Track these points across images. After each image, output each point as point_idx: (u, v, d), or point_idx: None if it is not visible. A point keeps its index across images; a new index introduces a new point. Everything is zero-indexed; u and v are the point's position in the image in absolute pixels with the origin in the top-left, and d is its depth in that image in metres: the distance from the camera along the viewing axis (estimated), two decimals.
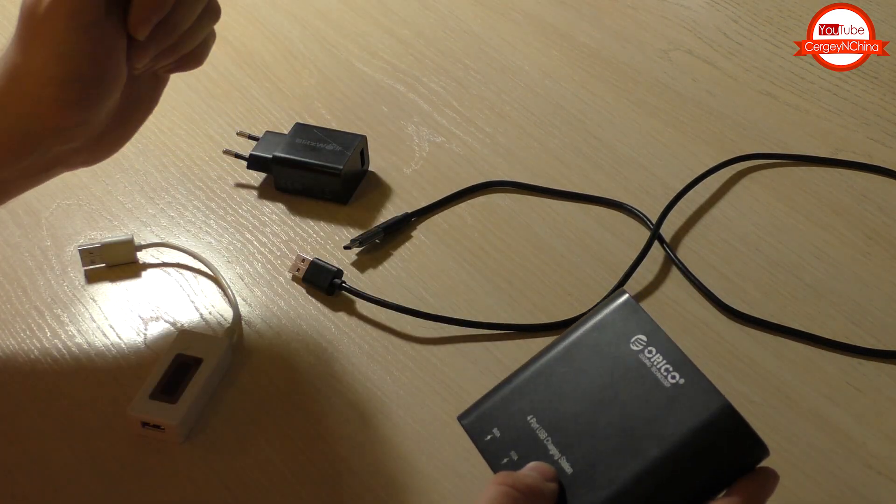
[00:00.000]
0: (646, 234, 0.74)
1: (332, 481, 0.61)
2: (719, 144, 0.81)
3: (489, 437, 0.51)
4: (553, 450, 0.49)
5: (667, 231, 0.74)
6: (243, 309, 0.70)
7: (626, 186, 0.78)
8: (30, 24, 0.57)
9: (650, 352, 0.50)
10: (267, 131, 0.80)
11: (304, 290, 0.71)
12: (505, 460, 0.50)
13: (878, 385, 0.65)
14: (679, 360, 0.49)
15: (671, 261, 0.72)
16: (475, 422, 0.52)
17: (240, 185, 0.79)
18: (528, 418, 0.51)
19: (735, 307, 0.69)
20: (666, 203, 0.76)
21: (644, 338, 0.51)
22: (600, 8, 0.95)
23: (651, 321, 0.51)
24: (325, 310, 0.70)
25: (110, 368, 0.67)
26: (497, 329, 0.68)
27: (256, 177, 0.79)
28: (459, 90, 0.87)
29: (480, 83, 0.87)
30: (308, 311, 0.70)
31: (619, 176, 0.79)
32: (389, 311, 0.69)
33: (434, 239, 0.75)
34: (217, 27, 0.90)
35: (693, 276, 0.71)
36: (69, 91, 0.58)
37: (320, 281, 0.71)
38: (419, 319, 0.69)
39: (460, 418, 0.53)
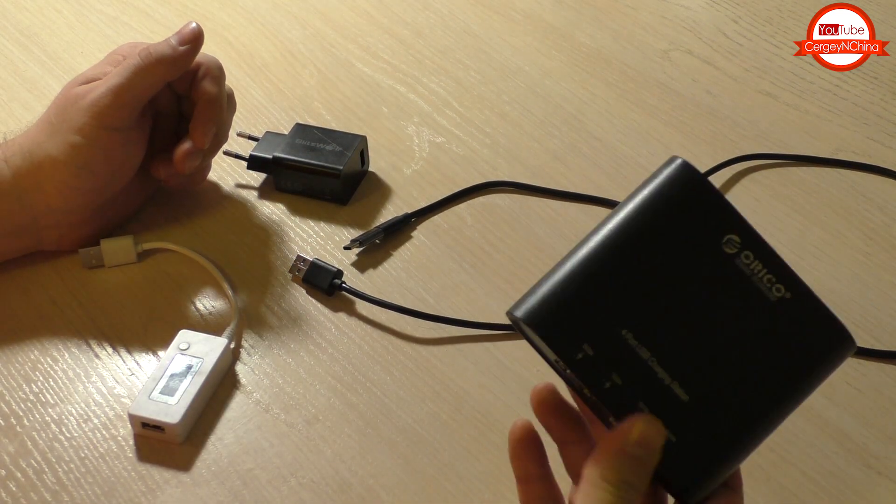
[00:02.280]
0: None
1: (332, 482, 0.61)
2: (719, 144, 0.81)
3: (580, 354, 0.43)
4: (661, 373, 0.43)
5: None
6: (243, 309, 0.70)
7: (626, 186, 0.78)
8: (65, 113, 0.68)
9: (747, 257, 0.44)
10: (267, 131, 0.80)
11: (304, 291, 0.71)
12: (608, 384, 0.43)
13: (878, 385, 0.65)
14: (781, 270, 0.44)
15: None
16: (555, 327, 0.44)
17: (240, 186, 0.79)
18: (623, 332, 0.43)
19: None
20: None
21: (737, 239, 0.44)
22: (600, 8, 0.95)
23: (734, 211, 0.44)
24: (325, 310, 0.70)
25: (110, 369, 0.67)
26: (497, 329, 0.68)
27: (256, 177, 0.79)
28: (459, 90, 0.87)
29: (480, 83, 0.87)
30: (308, 311, 0.70)
31: (619, 176, 0.79)
32: (389, 311, 0.69)
33: (434, 239, 0.75)
34: (217, 27, 0.90)
35: None
36: (80, 178, 0.67)
37: (320, 281, 0.71)
38: (419, 320, 0.69)
39: (523, 316, 0.44)
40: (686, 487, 0.44)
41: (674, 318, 0.44)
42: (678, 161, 0.45)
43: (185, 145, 0.70)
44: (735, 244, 0.44)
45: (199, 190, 0.78)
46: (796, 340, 0.44)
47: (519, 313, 0.44)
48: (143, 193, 0.75)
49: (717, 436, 0.44)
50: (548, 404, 0.48)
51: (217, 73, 0.71)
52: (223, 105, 0.72)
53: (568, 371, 0.44)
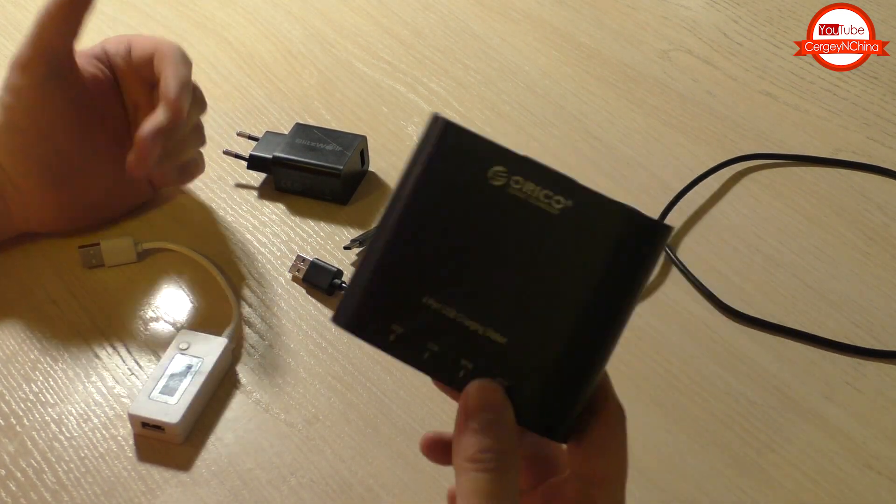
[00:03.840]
0: None
1: (332, 482, 0.61)
2: (719, 144, 0.81)
3: (392, 336, 0.43)
4: (473, 325, 0.42)
5: None
6: (243, 309, 0.70)
7: (626, 186, 0.78)
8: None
9: (517, 182, 0.42)
10: (267, 131, 0.80)
11: (304, 290, 0.71)
12: (426, 354, 0.43)
13: (878, 385, 0.65)
14: (554, 181, 0.42)
15: (671, 261, 0.72)
16: (361, 321, 0.44)
17: (240, 186, 0.79)
18: (424, 300, 0.43)
19: (735, 307, 0.69)
20: (666, 203, 0.76)
21: (502, 169, 0.43)
22: (600, 8, 0.95)
23: (494, 145, 0.43)
24: (326, 310, 0.70)
25: (110, 369, 0.67)
26: None
27: (256, 177, 0.79)
28: (459, 90, 0.87)
29: (480, 83, 0.87)
30: (308, 311, 0.70)
31: (619, 176, 0.79)
32: None
33: None
34: (217, 27, 0.90)
35: (693, 276, 0.71)
36: (8, 134, 0.69)
37: (320, 281, 0.71)
38: None
39: (339, 321, 0.44)
40: (546, 425, 0.43)
41: (469, 268, 0.43)
42: (431, 117, 0.44)
43: (147, 122, 0.67)
44: (501, 175, 0.43)
45: (199, 190, 0.78)
46: (593, 243, 0.42)
47: (335, 320, 0.44)
48: (129, 192, 0.75)
49: (551, 363, 0.42)
50: (432, 448, 0.47)
51: (170, 52, 0.70)
52: (185, 75, 0.69)
53: (395, 358, 0.44)
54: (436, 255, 0.43)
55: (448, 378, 0.43)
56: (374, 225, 0.75)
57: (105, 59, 0.73)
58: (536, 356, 0.42)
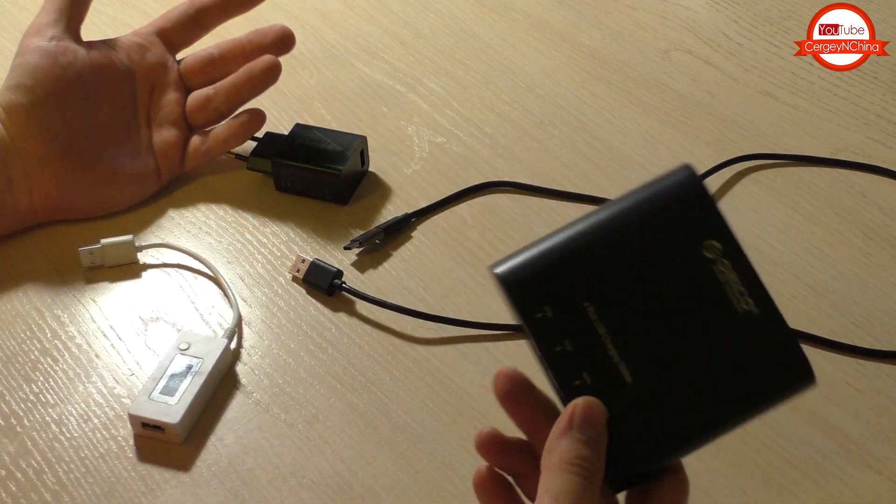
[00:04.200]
0: None
1: (332, 482, 0.61)
2: (719, 144, 0.81)
3: (539, 314, 0.44)
4: (613, 352, 0.44)
5: None
6: (243, 309, 0.70)
7: (626, 186, 0.77)
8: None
9: (724, 265, 0.44)
10: (267, 132, 0.80)
11: (304, 291, 0.71)
12: (558, 348, 0.44)
13: (878, 385, 0.65)
14: (754, 284, 0.44)
15: None
16: (522, 285, 0.45)
17: (240, 186, 0.79)
18: (585, 304, 0.44)
19: None
20: None
21: (719, 246, 0.44)
22: (600, 8, 0.95)
23: (723, 220, 0.45)
24: (325, 310, 0.70)
25: (110, 369, 0.67)
26: (497, 329, 0.68)
27: (256, 177, 0.79)
28: (459, 90, 0.87)
29: (480, 83, 0.87)
30: (308, 311, 0.70)
31: (619, 176, 0.79)
32: (389, 311, 0.69)
33: (434, 239, 0.75)
34: (217, 27, 0.90)
35: None
36: (17, 93, 0.71)
37: (320, 281, 0.71)
38: (419, 320, 0.69)
39: (499, 272, 0.45)
40: (612, 467, 0.44)
41: (638, 305, 0.44)
42: (683, 165, 0.46)
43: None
44: (716, 250, 0.44)
45: (199, 190, 0.78)
46: (754, 356, 0.44)
47: (497, 270, 0.45)
48: (134, 181, 0.75)
49: (651, 424, 0.44)
50: (492, 445, 0.48)
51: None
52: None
53: (528, 333, 0.45)
54: (620, 277, 0.45)
55: (562, 380, 0.44)
56: (374, 225, 0.75)
57: (118, 44, 0.76)
58: (648, 410, 0.44)
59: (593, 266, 0.45)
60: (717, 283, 0.44)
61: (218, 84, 0.77)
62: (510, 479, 0.48)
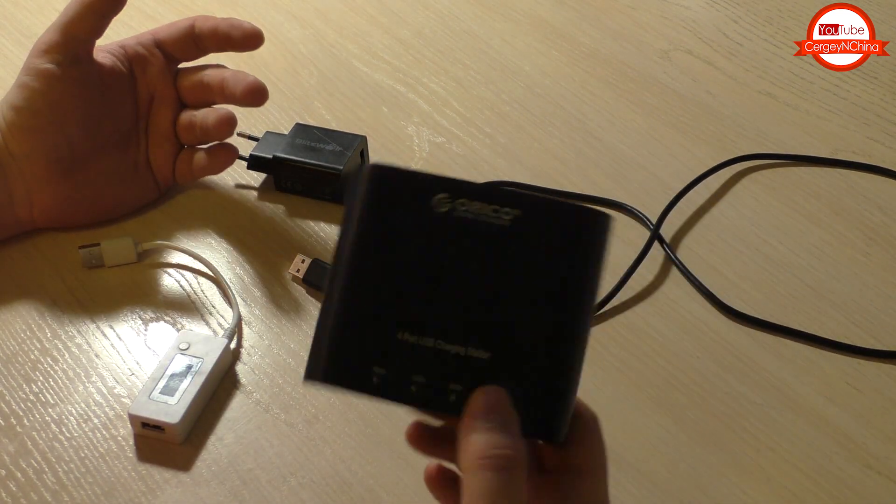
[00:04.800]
0: (646, 234, 0.74)
1: (332, 482, 0.61)
2: (719, 144, 0.81)
3: (375, 379, 0.43)
4: (453, 348, 0.43)
5: (667, 231, 0.74)
6: (243, 309, 0.70)
7: (626, 186, 0.78)
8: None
9: (463, 204, 0.43)
10: (267, 131, 0.80)
11: (304, 291, 0.71)
12: (414, 388, 0.43)
13: (878, 385, 0.65)
14: (499, 196, 0.43)
15: (671, 261, 0.72)
16: (341, 371, 0.43)
17: (240, 186, 0.79)
18: (399, 335, 0.43)
19: (735, 307, 0.69)
20: (666, 203, 0.76)
21: (445, 195, 0.44)
22: (600, 8, 0.95)
23: (430, 175, 0.44)
24: None
25: (110, 369, 0.67)
26: None
27: (256, 177, 0.79)
28: (459, 90, 0.87)
29: (480, 83, 0.87)
30: (308, 311, 0.70)
31: (619, 176, 0.79)
32: None
33: None
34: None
35: (693, 276, 0.71)
36: (22, 115, 0.70)
37: (320, 281, 0.71)
38: None
39: (315, 377, 0.44)
40: (548, 429, 0.43)
41: (436, 296, 0.43)
42: (365, 167, 0.45)
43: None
44: (445, 201, 0.44)
45: (200, 190, 0.78)
46: (548, 244, 0.43)
47: (308, 379, 0.44)
48: (134, 191, 0.75)
49: (539, 367, 0.43)
50: (418, 437, 0.48)
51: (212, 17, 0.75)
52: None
53: (383, 400, 0.44)
54: (399, 291, 0.44)
55: (440, 405, 0.44)
56: None
57: (121, 52, 0.74)
58: (524, 363, 0.43)
59: (371, 303, 0.44)
60: (471, 221, 0.43)
61: (200, 112, 0.75)
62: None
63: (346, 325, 0.44)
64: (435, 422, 0.48)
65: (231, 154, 0.75)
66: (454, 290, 0.43)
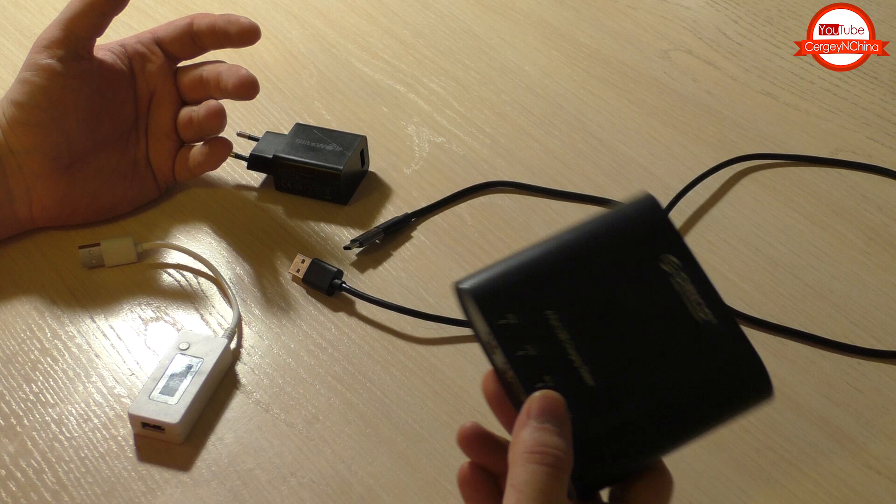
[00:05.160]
0: None
1: (332, 482, 0.61)
2: (719, 144, 0.81)
3: (502, 320, 0.45)
4: (574, 355, 0.45)
5: None
6: (243, 309, 0.70)
7: (626, 186, 0.78)
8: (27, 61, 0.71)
9: (682, 278, 0.46)
10: (267, 131, 0.80)
11: (304, 291, 0.71)
12: (520, 353, 0.45)
13: (878, 385, 0.65)
14: (711, 296, 0.46)
15: None
16: (486, 295, 0.46)
17: (240, 186, 0.79)
18: (548, 312, 0.45)
19: (735, 307, 0.69)
20: (666, 203, 0.76)
21: (676, 261, 0.47)
22: (600, 8, 0.95)
23: (680, 238, 0.47)
24: (325, 310, 0.70)
25: (110, 369, 0.67)
26: None
27: (256, 177, 0.79)
28: (459, 90, 0.87)
29: (480, 83, 0.87)
30: (308, 311, 0.70)
31: (619, 176, 0.79)
32: (389, 311, 0.69)
33: (434, 239, 0.75)
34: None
35: None
36: (24, 111, 0.70)
37: (320, 281, 0.71)
38: (419, 320, 0.69)
39: (462, 285, 0.46)
40: (579, 471, 0.44)
41: (600, 314, 0.46)
42: (644, 193, 0.48)
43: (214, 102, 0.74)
44: (673, 265, 0.46)
45: (199, 190, 0.78)
46: (713, 365, 0.45)
47: (462, 285, 0.47)
48: (133, 190, 0.75)
49: (614, 426, 0.44)
50: (474, 439, 0.48)
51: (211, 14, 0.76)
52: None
53: (492, 340, 0.46)
54: (582, 288, 0.46)
55: (526, 382, 0.45)
56: (374, 225, 0.75)
57: (121, 51, 0.75)
58: (610, 413, 0.44)
59: (555, 278, 0.46)
60: (674, 294, 0.46)
61: (196, 107, 0.75)
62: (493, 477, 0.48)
63: (524, 270, 0.46)
64: (494, 431, 0.48)
65: (225, 147, 0.75)
66: (619, 325, 0.46)
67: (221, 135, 0.76)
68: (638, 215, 0.48)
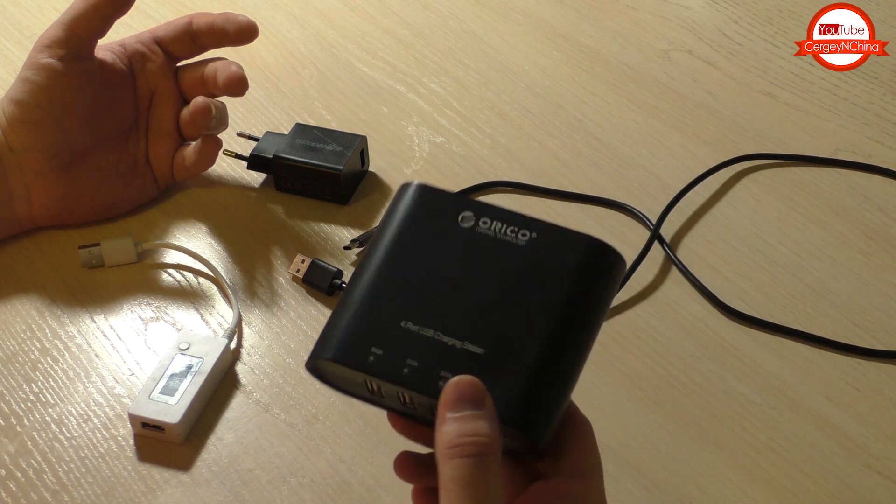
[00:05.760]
0: (646, 234, 0.74)
1: (332, 482, 0.61)
2: (719, 144, 0.81)
3: (370, 357, 0.45)
4: (450, 340, 0.45)
5: (667, 231, 0.74)
6: (243, 309, 0.70)
7: (626, 186, 0.78)
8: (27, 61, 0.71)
9: (485, 223, 0.48)
10: (267, 131, 0.80)
11: (304, 290, 0.71)
12: (406, 370, 0.45)
13: (878, 385, 0.65)
14: (519, 220, 0.48)
15: (671, 261, 0.72)
16: (341, 351, 0.46)
17: (240, 186, 0.79)
18: (402, 324, 0.46)
19: (735, 307, 0.69)
20: (666, 203, 0.76)
21: (470, 213, 0.48)
22: (600, 8, 0.95)
23: (459, 196, 0.50)
24: (326, 310, 0.70)
25: (110, 369, 0.67)
26: None
27: (256, 177, 0.79)
28: (459, 90, 0.87)
29: (480, 83, 0.87)
30: (308, 311, 0.70)
31: (619, 176, 0.79)
32: None
33: None
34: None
35: (693, 276, 0.71)
36: (24, 110, 0.70)
37: (320, 281, 0.71)
38: None
39: (314, 362, 0.47)
40: (525, 420, 0.44)
41: (445, 295, 0.47)
42: (409, 182, 0.50)
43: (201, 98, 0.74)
44: (470, 218, 0.48)
45: (199, 190, 0.78)
46: (562, 267, 0.47)
47: (314, 362, 0.47)
48: (133, 190, 0.75)
49: (529, 369, 0.45)
50: (406, 467, 0.49)
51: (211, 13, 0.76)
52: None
53: (373, 383, 0.46)
54: (414, 290, 0.47)
55: (428, 390, 0.45)
56: (374, 225, 0.75)
57: (121, 51, 0.75)
58: (513, 362, 0.45)
59: (387, 296, 0.47)
60: (490, 238, 0.47)
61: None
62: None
63: (358, 313, 0.47)
64: (422, 449, 0.48)
65: (215, 145, 0.76)
66: (463, 292, 0.47)
67: (220, 135, 0.76)
68: (416, 204, 0.49)
